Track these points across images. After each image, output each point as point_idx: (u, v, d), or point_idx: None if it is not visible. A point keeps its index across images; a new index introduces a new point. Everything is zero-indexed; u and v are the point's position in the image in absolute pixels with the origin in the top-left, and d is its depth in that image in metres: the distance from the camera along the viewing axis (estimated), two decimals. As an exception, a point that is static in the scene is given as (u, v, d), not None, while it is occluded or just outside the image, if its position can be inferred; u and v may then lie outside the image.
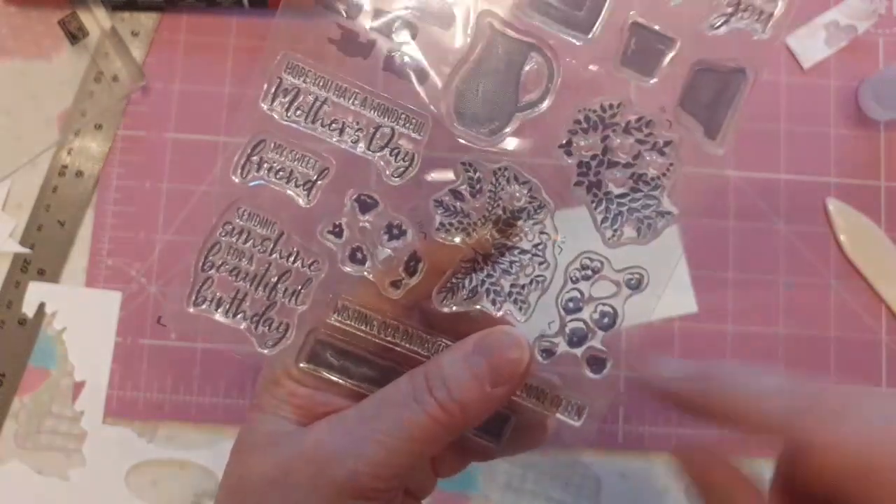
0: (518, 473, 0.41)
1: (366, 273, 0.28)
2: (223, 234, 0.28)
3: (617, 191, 0.28)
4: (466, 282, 0.28)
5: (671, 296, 0.41)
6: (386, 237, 0.28)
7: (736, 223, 0.43)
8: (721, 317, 0.42)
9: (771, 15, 0.27)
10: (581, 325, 0.28)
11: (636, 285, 0.28)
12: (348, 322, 0.28)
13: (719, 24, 0.27)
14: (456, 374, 0.25)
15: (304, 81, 0.28)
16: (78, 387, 0.41)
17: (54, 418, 0.41)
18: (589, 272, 0.28)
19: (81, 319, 0.42)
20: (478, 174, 0.28)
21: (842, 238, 0.43)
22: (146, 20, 0.43)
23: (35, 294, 0.42)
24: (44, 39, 0.43)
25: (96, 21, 0.43)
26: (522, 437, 0.29)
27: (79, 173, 0.42)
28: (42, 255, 0.42)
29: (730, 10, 0.27)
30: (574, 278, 0.28)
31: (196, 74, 0.43)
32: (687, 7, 0.27)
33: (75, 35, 0.42)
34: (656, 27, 0.28)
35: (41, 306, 0.42)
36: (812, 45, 0.44)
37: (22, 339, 0.41)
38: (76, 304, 0.42)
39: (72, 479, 0.41)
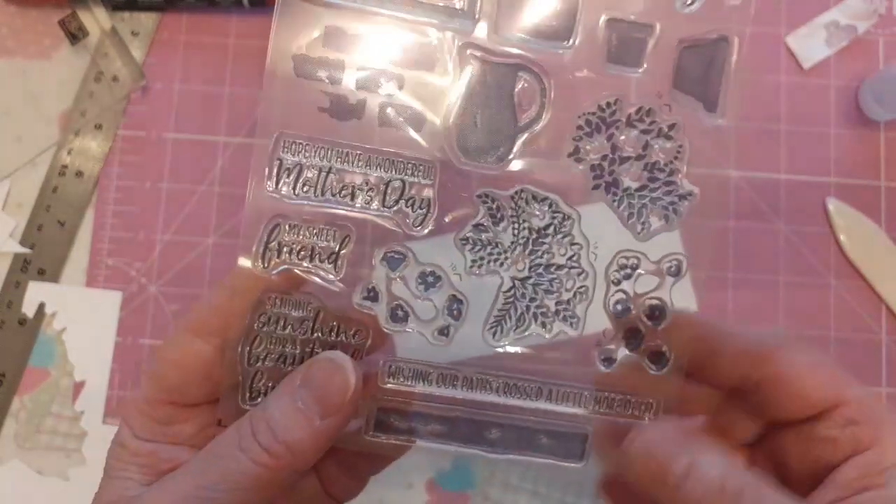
0: (517, 472, 0.41)
1: (408, 330, 0.28)
2: (260, 325, 0.27)
3: (634, 185, 0.28)
4: (512, 311, 0.28)
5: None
6: (422, 287, 0.28)
7: (736, 223, 0.43)
8: (721, 316, 0.42)
9: None
10: (634, 324, 0.28)
11: (676, 272, 0.28)
12: (405, 382, 0.28)
13: (690, 0, 0.28)
14: (280, 413, 0.24)
15: (305, 156, 0.27)
16: (78, 387, 0.41)
17: (54, 418, 0.41)
18: (629, 270, 0.28)
19: (81, 319, 0.42)
20: (496, 203, 0.28)
21: (842, 238, 0.43)
22: (146, 20, 0.43)
23: (35, 294, 0.42)
24: (44, 39, 0.43)
25: (96, 21, 0.43)
26: (609, 456, 0.29)
27: (79, 173, 0.42)
28: (42, 254, 0.42)
29: None
30: (616, 280, 0.28)
31: (196, 74, 0.43)
32: None
33: (75, 35, 0.42)
34: (631, 18, 0.28)
35: (41, 306, 0.42)
36: (812, 45, 0.44)
37: (22, 339, 0.41)
38: (76, 304, 0.42)
39: (71, 478, 0.41)
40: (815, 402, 0.26)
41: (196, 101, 0.43)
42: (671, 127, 0.28)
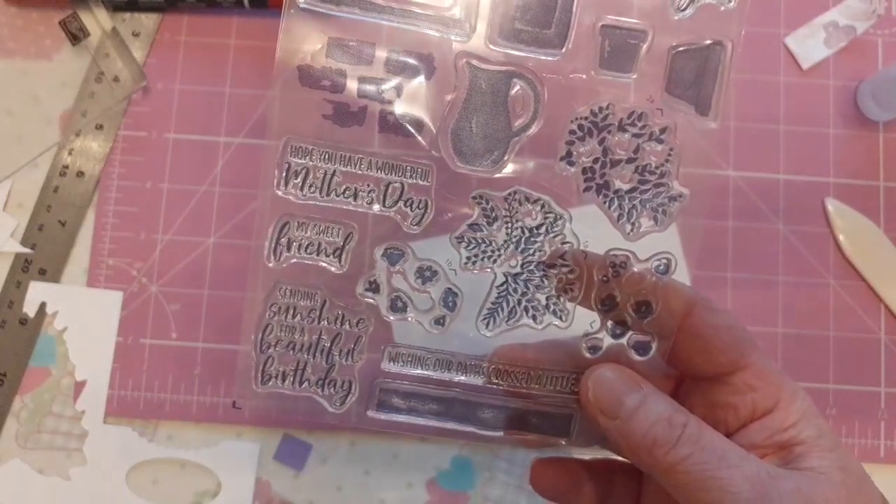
0: (518, 473, 0.41)
1: (407, 319, 0.30)
2: (271, 314, 0.29)
3: (625, 187, 0.29)
4: (504, 304, 0.29)
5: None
6: (420, 280, 0.29)
7: (735, 223, 0.43)
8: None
9: None
10: (620, 317, 0.29)
11: (665, 270, 0.29)
12: (405, 367, 0.30)
13: (685, 5, 0.28)
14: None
15: (311, 159, 0.29)
16: (79, 386, 0.41)
17: (55, 418, 0.41)
18: (619, 269, 0.29)
19: (82, 319, 0.42)
20: (490, 203, 0.29)
21: (841, 238, 0.43)
22: (147, 21, 0.43)
23: (36, 294, 0.42)
24: (45, 40, 0.43)
25: (97, 22, 0.43)
26: (592, 431, 0.30)
27: (80, 173, 0.42)
28: (43, 254, 0.42)
29: None
30: (605, 278, 0.29)
31: (197, 75, 0.43)
32: None
33: (76, 35, 0.42)
34: (625, 24, 0.28)
35: (42, 306, 0.42)
36: (811, 45, 0.44)
37: (23, 339, 0.41)
38: (77, 304, 0.42)
39: (73, 478, 0.41)
40: (719, 363, 0.28)
41: (197, 102, 0.43)
42: (663, 130, 0.28)
